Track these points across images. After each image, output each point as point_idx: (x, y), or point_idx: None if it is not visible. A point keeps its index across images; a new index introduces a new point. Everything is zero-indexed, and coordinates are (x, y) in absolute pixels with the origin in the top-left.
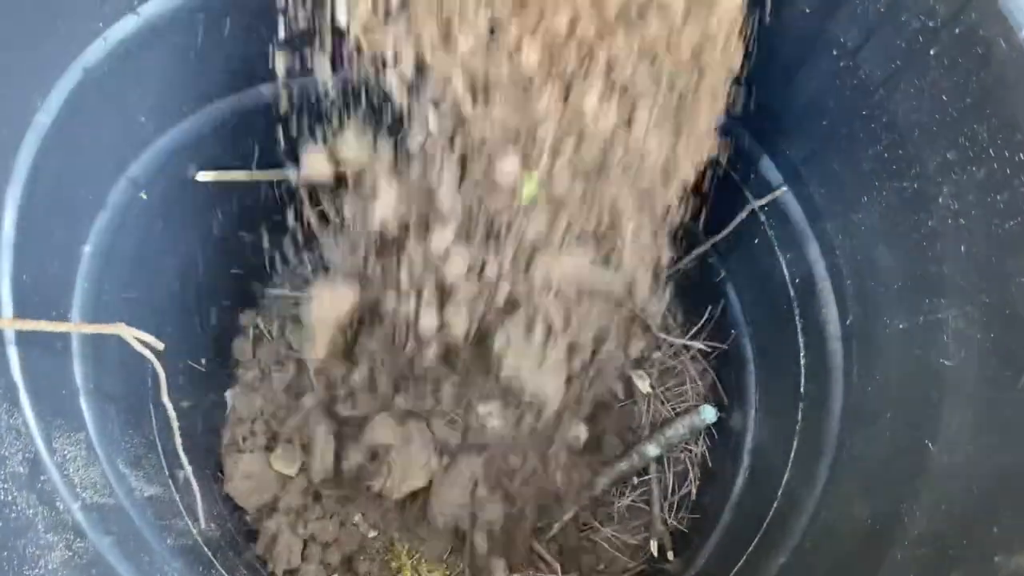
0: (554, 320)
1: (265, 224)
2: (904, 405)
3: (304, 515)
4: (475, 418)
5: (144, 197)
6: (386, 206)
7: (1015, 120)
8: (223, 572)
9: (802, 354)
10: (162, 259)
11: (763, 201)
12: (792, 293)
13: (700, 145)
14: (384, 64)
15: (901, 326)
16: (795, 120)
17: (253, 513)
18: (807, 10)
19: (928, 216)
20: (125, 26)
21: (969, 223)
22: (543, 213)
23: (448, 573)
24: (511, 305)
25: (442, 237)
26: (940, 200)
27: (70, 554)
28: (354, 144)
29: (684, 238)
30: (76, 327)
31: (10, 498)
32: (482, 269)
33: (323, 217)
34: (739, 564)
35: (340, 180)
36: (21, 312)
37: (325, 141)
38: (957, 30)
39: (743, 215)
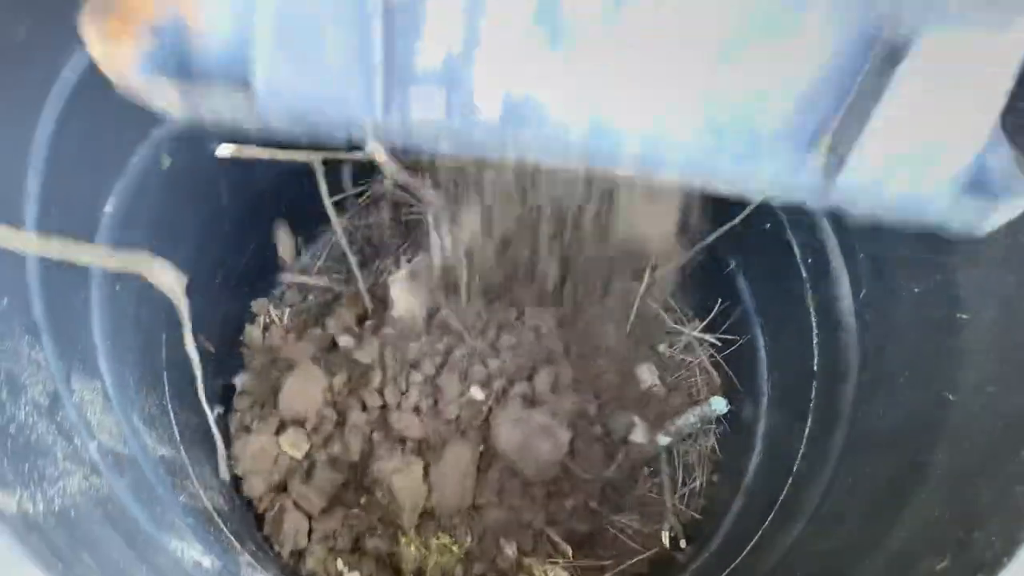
0: None
1: (285, 208)
2: (921, 363)
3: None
4: None
5: (166, 164)
6: None
7: None
8: (232, 538)
9: (815, 334)
10: (180, 230)
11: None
12: (804, 275)
13: None
14: None
15: (916, 289)
16: None
17: (261, 495)
18: None
19: None
20: None
21: None
22: None
23: (456, 549)
24: None
25: None
26: None
27: (87, 485)
28: None
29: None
30: (103, 258)
31: (31, 421)
32: None
33: None
34: (752, 543)
35: None
36: (44, 270)
37: None
38: None
39: (755, 203)
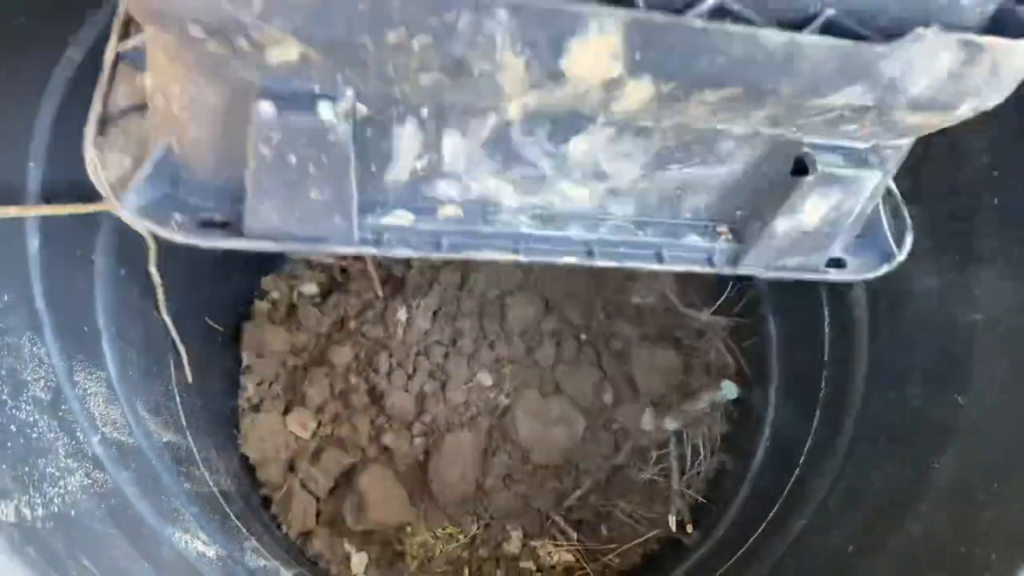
0: None
1: None
2: (932, 362)
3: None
4: None
5: None
6: None
7: None
8: (239, 524)
9: (827, 323)
10: None
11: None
12: None
13: None
14: None
15: (930, 284)
16: None
17: (269, 475)
18: None
19: (960, 170)
20: None
21: (1003, 174)
22: None
23: (462, 537)
24: None
25: None
26: (973, 152)
27: (89, 482)
28: None
29: None
30: (86, 207)
31: (32, 419)
32: None
33: None
34: (758, 531)
35: None
36: (46, 258)
37: None
38: None
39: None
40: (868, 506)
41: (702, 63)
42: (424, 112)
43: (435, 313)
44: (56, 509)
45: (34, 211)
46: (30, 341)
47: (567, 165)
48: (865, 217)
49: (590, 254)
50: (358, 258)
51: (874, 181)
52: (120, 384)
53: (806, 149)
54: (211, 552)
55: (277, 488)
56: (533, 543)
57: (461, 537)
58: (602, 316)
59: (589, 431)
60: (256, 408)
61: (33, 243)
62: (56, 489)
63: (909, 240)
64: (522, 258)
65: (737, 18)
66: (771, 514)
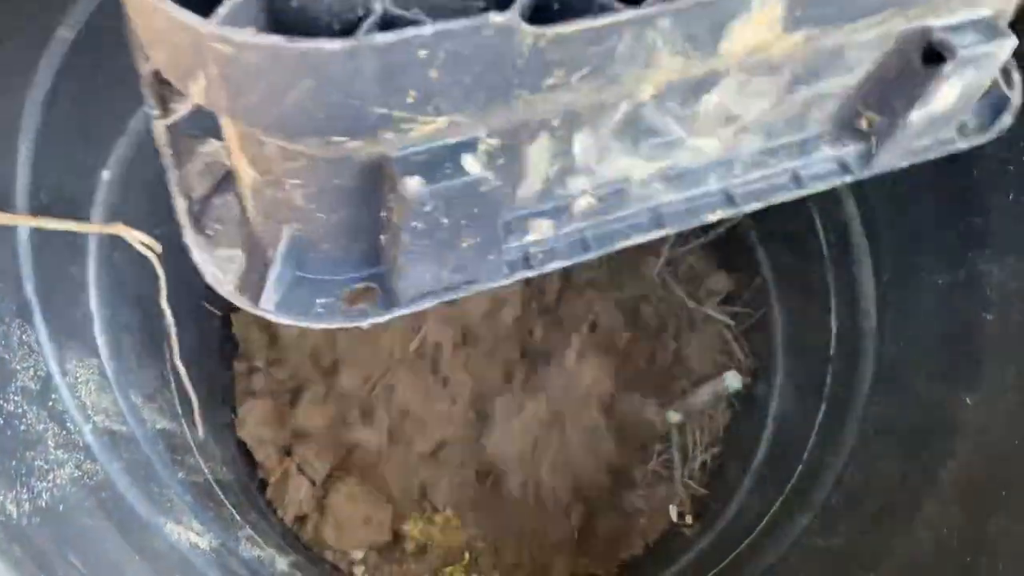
0: None
1: None
2: (940, 361)
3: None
4: None
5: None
6: None
7: None
8: (234, 512)
9: (833, 317)
10: None
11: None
12: (826, 253)
13: None
14: None
15: (940, 281)
16: None
17: (265, 459)
18: None
19: (973, 165)
20: None
21: (1018, 169)
22: None
23: (457, 523)
24: None
25: None
26: (987, 147)
27: (79, 474)
28: None
29: None
30: (79, 226)
31: (20, 411)
32: None
33: None
34: (760, 526)
35: None
36: (37, 243)
37: None
38: None
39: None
40: (872, 507)
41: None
42: (555, 123)
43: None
44: (44, 504)
45: (23, 221)
46: (19, 328)
47: (697, 122)
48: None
49: (731, 201)
50: None
51: (1009, 48)
52: (113, 371)
53: (939, 35)
54: (204, 543)
55: (273, 472)
56: None
57: (458, 524)
58: (604, 307)
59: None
60: (252, 393)
61: (24, 230)
62: (44, 483)
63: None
64: (669, 230)
65: None
66: (773, 510)
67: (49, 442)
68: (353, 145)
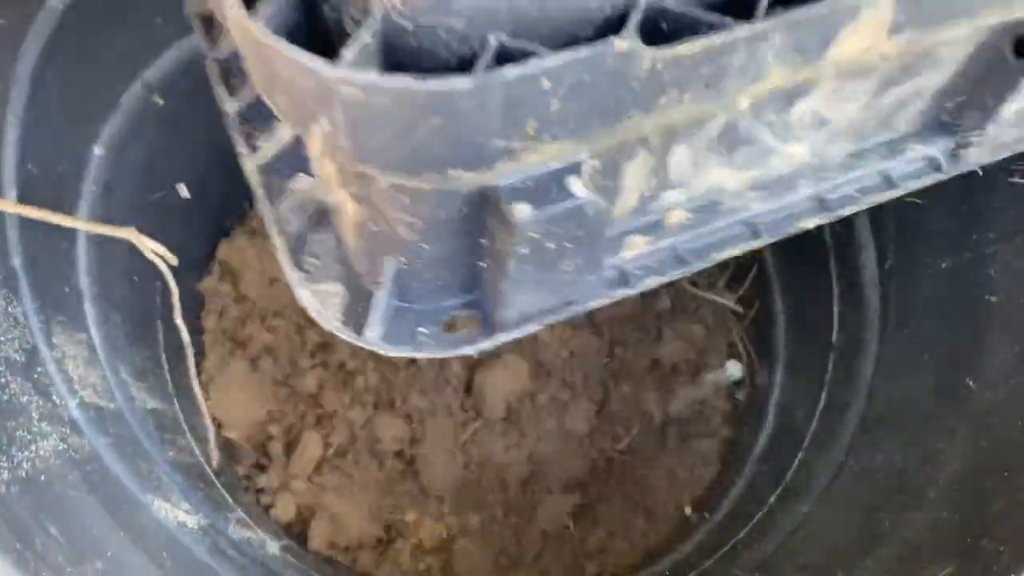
0: None
1: None
2: (943, 345)
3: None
4: None
5: (160, 102)
6: None
7: None
8: (225, 493)
9: (835, 303)
10: (176, 170)
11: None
12: (828, 240)
13: None
14: None
15: (944, 264)
16: None
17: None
18: None
19: None
20: None
21: None
22: None
23: (449, 511)
24: None
25: None
26: None
27: (64, 447)
28: None
29: None
30: (85, 224)
31: (3, 380)
32: None
33: None
34: (759, 515)
35: None
36: (26, 200)
37: None
38: None
39: None
40: (873, 493)
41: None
42: (654, 139)
43: None
44: (24, 474)
45: (23, 211)
46: (4, 300)
47: (789, 129)
48: None
49: (824, 206)
50: None
51: None
52: (102, 347)
53: None
54: (193, 522)
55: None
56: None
57: (446, 511)
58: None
59: (595, 413)
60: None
61: (11, 194)
62: (25, 453)
63: None
64: (766, 239)
65: None
66: (773, 498)
67: (33, 414)
68: (468, 177)
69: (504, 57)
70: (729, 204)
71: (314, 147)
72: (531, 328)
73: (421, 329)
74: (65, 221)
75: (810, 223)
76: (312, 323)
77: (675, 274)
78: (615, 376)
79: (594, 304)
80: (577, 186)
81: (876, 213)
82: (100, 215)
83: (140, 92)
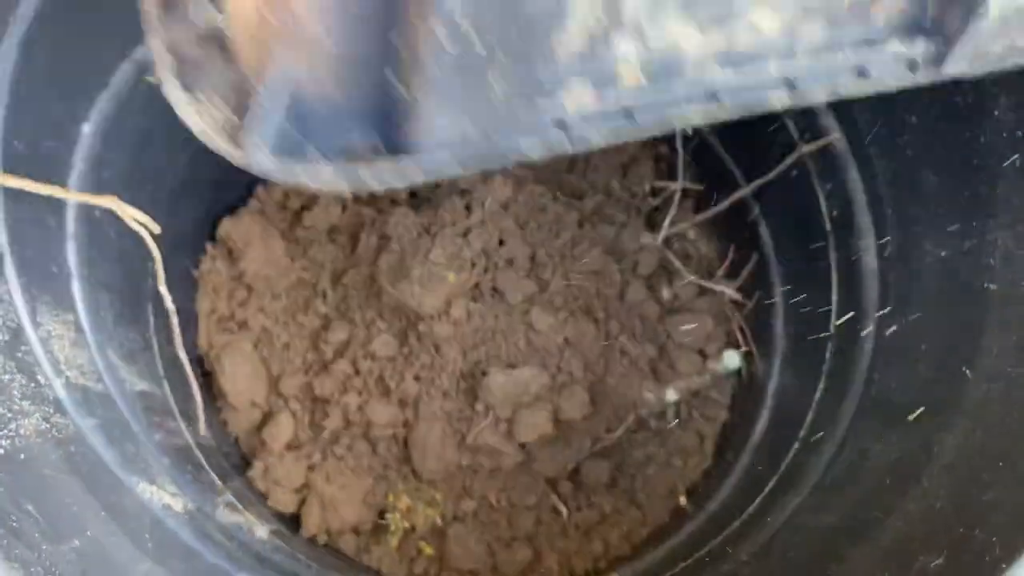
0: None
1: None
2: (941, 334)
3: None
4: None
5: (151, 81)
6: None
7: None
8: (215, 477)
9: (834, 292)
10: (167, 152)
11: (812, 147)
12: (828, 227)
13: None
14: None
15: (943, 253)
16: None
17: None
18: None
19: (981, 132)
20: None
21: None
22: None
23: (440, 499)
24: None
25: None
26: (997, 112)
27: (47, 426)
28: None
29: (720, 175)
30: (66, 193)
31: None
32: None
33: None
34: (754, 504)
35: None
36: (12, 173)
37: None
38: None
39: (790, 160)
40: (866, 483)
41: None
42: None
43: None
44: (2, 451)
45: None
46: None
47: None
48: None
49: (792, 86)
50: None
51: None
52: (90, 328)
53: None
54: (179, 505)
55: (253, 445)
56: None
57: (438, 497)
58: (605, 284)
59: (590, 402)
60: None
61: None
62: (4, 431)
63: None
64: (726, 104)
65: None
66: (768, 487)
67: (14, 392)
68: None
69: None
70: (688, 72)
71: None
72: (444, 160)
73: (314, 149)
74: (44, 190)
75: (775, 99)
76: (309, 307)
77: (622, 130)
78: (611, 364)
79: (525, 146)
80: None
81: (877, 200)
82: (92, 188)
83: (130, 71)
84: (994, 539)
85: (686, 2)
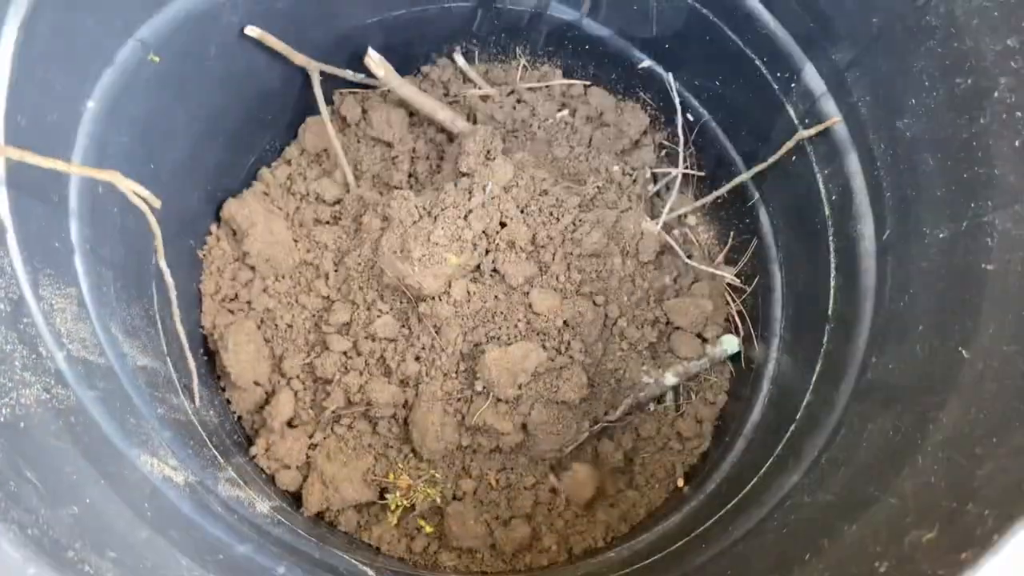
0: None
1: (282, 112)
2: (938, 316)
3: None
4: None
5: (155, 60)
6: None
7: None
8: (216, 453)
9: (832, 276)
10: (171, 131)
11: (811, 132)
12: (827, 211)
13: None
14: None
15: (942, 235)
16: (842, 20)
17: (249, 411)
18: None
19: (981, 113)
20: None
21: None
22: None
23: (439, 477)
24: None
25: None
26: (996, 94)
27: (47, 396)
28: None
29: (720, 161)
30: (65, 165)
31: None
32: None
33: None
34: (751, 484)
35: None
36: (16, 146)
37: None
38: None
39: (789, 145)
40: (862, 461)
41: None
42: None
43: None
44: (2, 419)
45: (11, 154)
46: None
47: None
48: None
49: None
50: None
51: None
52: (92, 303)
53: None
54: (180, 478)
55: (256, 423)
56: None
57: (437, 476)
58: (605, 268)
59: (589, 384)
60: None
61: None
62: (5, 399)
63: None
64: None
65: None
66: (764, 468)
67: (16, 363)
68: None
69: None
70: None
71: None
72: None
73: None
74: (46, 163)
75: None
76: (311, 288)
77: None
78: (610, 347)
79: None
80: None
81: (876, 184)
82: (95, 164)
83: (135, 49)
84: (986, 512)
85: None
